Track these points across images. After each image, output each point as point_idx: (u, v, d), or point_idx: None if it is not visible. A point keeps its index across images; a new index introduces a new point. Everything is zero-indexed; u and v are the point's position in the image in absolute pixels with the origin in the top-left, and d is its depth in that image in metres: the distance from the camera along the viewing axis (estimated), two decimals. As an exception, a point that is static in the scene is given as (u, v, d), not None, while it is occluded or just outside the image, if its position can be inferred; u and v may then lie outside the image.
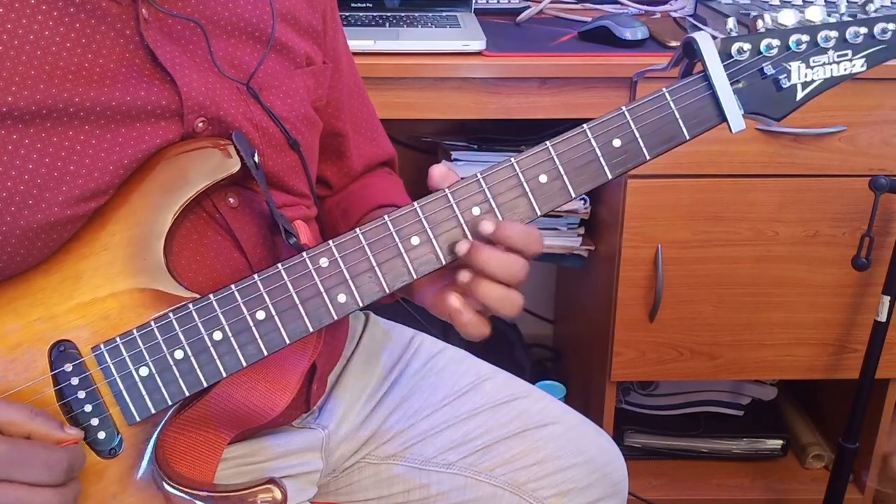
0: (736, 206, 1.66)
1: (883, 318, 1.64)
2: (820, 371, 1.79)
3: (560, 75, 1.59)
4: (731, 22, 0.88)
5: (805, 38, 0.87)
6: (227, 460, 1.00)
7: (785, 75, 0.87)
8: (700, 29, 1.73)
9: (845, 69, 0.89)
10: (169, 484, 0.84)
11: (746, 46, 0.87)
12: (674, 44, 1.63)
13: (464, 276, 0.84)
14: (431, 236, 0.84)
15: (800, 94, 0.89)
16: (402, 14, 1.73)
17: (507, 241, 0.83)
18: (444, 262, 0.84)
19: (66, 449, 0.78)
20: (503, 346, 2.21)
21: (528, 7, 1.84)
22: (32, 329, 0.82)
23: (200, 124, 0.88)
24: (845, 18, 0.88)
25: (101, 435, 0.83)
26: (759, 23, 0.88)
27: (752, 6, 1.70)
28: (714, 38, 0.86)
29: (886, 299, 1.63)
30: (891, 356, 1.72)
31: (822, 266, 1.70)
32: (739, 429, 2.06)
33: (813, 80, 0.88)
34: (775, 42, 0.87)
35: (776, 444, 2.04)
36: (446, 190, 0.84)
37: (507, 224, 0.83)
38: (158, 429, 0.84)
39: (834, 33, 0.87)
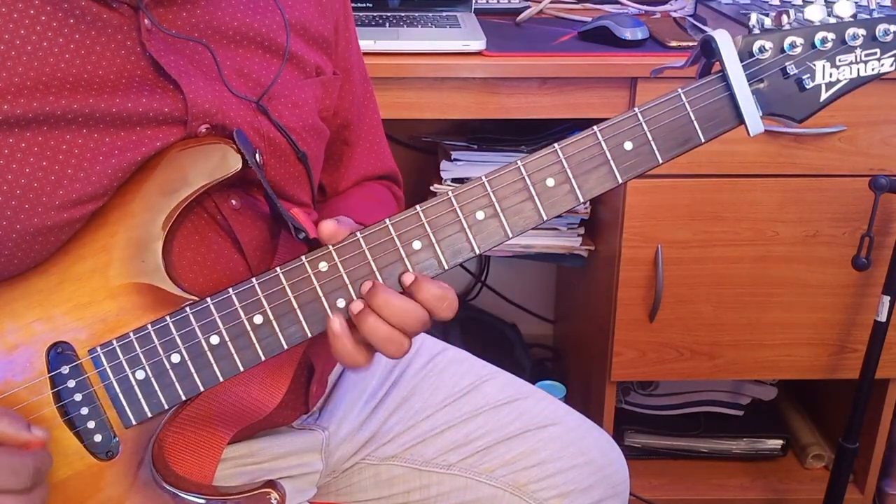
0: (736, 206, 1.66)
1: (883, 318, 1.64)
2: (820, 371, 1.79)
3: (560, 75, 1.59)
4: (754, 18, 0.84)
5: (832, 35, 0.83)
6: (226, 461, 1.00)
7: (809, 75, 0.84)
8: (700, 29, 1.73)
9: (873, 69, 0.85)
10: (168, 486, 0.84)
11: (769, 45, 0.83)
12: (674, 44, 1.63)
13: (356, 305, 0.81)
14: (434, 240, 0.82)
15: (824, 95, 0.85)
16: (402, 14, 1.73)
17: (418, 299, 0.81)
18: (446, 268, 0.83)
19: (32, 453, 0.77)
20: (503, 346, 2.21)
21: (528, 7, 1.84)
22: (30, 330, 0.81)
23: (203, 129, 0.87)
24: (875, 15, 0.84)
25: (98, 438, 0.82)
26: (784, 19, 0.84)
27: (752, 6, 1.69)
28: (734, 36, 0.83)
29: (886, 299, 1.63)
30: (891, 356, 1.72)
31: (822, 266, 1.70)
32: (739, 429, 2.06)
33: (838, 80, 0.85)
34: (800, 40, 0.83)
35: (776, 444, 2.04)
36: (450, 193, 0.82)
37: (425, 283, 0.81)
38: (156, 431, 0.84)
39: (862, 31, 0.83)
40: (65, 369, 0.81)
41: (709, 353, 1.77)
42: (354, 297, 0.82)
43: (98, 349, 0.81)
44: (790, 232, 1.68)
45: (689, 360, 1.77)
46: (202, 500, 0.85)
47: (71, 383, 0.81)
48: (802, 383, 2.09)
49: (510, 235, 0.83)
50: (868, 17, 0.85)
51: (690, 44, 1.62)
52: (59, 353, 0.81)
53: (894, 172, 1.62)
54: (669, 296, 1.71)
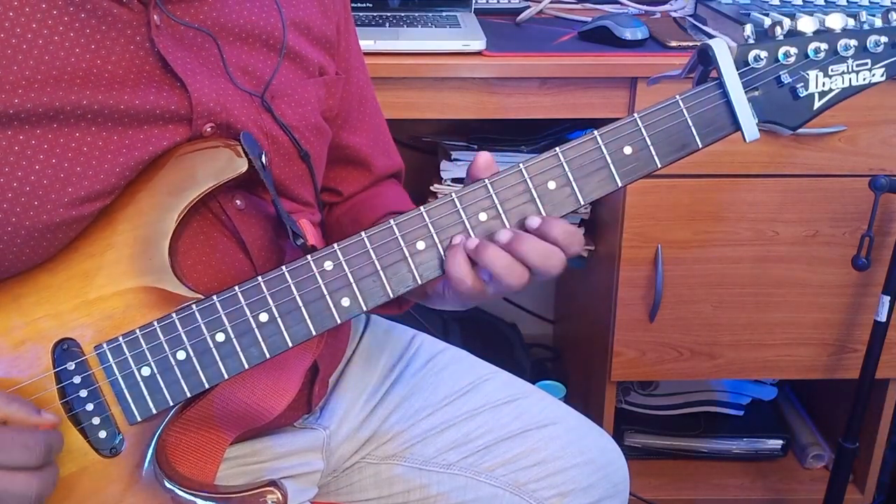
0: (736, 206, 1.66)
1: (883, 318, 1.64)
2: (820, 371, 1.79)
3: (560, 75, 1.59)
4: (748, 29, 0.86)
5: (824, 46, 0.86)
6: (228, 460, 1.00)
7: (802, 84, 0.86)
8: (700, 29, 1.73)
9: (864, 79, 0.87)
10: (171, 484, 0.84)
11: (763, 54, 0.85)
12: (674, 44, 1.63)
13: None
14: (437, 241, 0.83)
15: (817, 104, 0.87)
16: (402, 14, 1.73)
17: (549, 238, 0.83)
18: None
19: (44, 432, 0.78)
20: (503, 346, 2.21)
21: (528, 7, 1.84)
22: (37, 326, 0.82)
23: (209, 129, 0.88)
24: (865, 27, 0.87)
25: (102, 434, 0.83)
26: (777, 30, 0.86)
27: (752, 6, 1.70)
28: (731, 45, 0.85)
29: (886, 299, 1.63)
30: (891, 356, 1.72)
31: (822, 266, 1.70)
32: (739, 429, 2.06)
33: (831, 90, 0.87)
34: (793, 50, 0.86)
35: (776, 444, 2.04)
36: (453, 194, 0.83)
37: (551, 221, 0.83)
38: (160, 429, 0.84)
39: (854, 42, 0.86)
40: (70, 365, 0.81)
41: (709, 353, 1.77)
42: (359, 297, 0.83)
43: (104, 345, 0.82)
44: (790, 232, 1.68)
45: (689, 360, 1.77)
46: (205, 499, 0.86)
47: (76, 379, 0.82)
48: (802, 383, 2.09)
49: None
50: (859, 28, 0.87)
51: (690, 44, 1.62)
52: (64, 350, 0.82)
53: (894, 172, 1.62)
54: (669, 296, 1.71)
